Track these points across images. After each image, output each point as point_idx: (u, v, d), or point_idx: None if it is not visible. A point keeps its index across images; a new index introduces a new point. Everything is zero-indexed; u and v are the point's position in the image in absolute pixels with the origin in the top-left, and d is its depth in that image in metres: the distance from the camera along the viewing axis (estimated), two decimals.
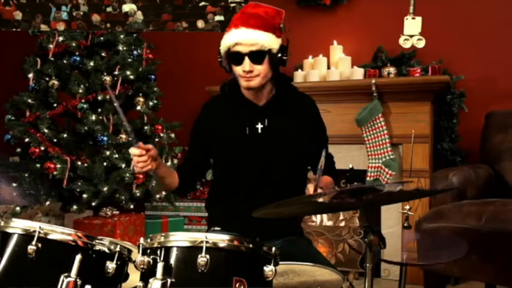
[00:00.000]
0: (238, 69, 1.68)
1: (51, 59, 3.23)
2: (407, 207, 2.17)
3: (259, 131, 1.75)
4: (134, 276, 1.29)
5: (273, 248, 1.24)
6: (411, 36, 2.27)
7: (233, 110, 1.79)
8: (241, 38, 1.64)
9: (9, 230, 1.22)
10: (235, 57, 1.67)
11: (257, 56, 1.65)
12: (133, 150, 1.56)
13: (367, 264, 1.23)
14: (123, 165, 3.14)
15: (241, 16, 1.69)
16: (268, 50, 1.65)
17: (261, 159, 1.75)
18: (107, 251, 1.24)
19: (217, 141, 1.79)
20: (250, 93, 1.75)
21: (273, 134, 1.75)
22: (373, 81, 3.20)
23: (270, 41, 1.65)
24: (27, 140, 3.13)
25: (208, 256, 1.14)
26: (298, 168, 1.81)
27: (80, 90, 3.17)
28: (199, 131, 1.84)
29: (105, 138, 3.16)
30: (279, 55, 1.67)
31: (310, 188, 1.59)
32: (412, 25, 2.25)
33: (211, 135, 1.80)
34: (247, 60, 1.65)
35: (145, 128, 3.37)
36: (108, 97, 3.18)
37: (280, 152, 1.76)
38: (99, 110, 3.23)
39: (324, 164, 1.52)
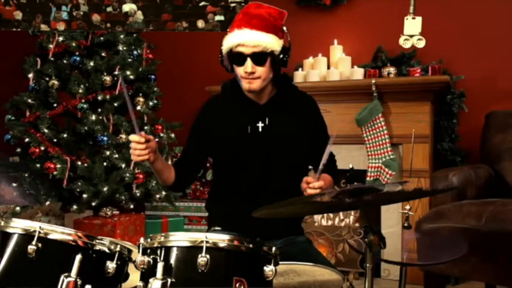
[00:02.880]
0: (240, 70, 1.68)
1: (51, 59, 3.23)
2: (408, 207, 2.17)
3: (260, 129, 1.75)
4: (134, 276, 1.29)
5: (273, 248, 1.24)
6: (411, 36, 2.26)
7: (234, 109, 1.79)
8: (244, 39, 1.63)
9: (9, 230, 1.21)
10: (237, 58, 1.66)
11: (259, 58, 1.65)
12: (132, 136, 1.56)
13: (367, 264, 1.23)
14: (123, 165, 3.15)
15: (243, 17, 1.67)
16: (271, 52, 1.65)
17: (262, 158, 1.75)
18: (107, 251, 1.24)
19: (218, 140, 1.79)
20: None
21: (273, 133, 1.75)
22: (373, 81, 3.20)
23: (273, 43, 1.65)
24: (27, 140, 3.13)
25: (208, 256, 1.14)
26: (298, 167, 1.81)
27: (80, 90, 3.17)
28: (199, 129, 1.83)
29: (105, 138, 3.16)
30: (281, 56, 1.67)
31: (309, 179, 1.57)
32: (412, 25, 2.25)
33: (211, 134, 1.79)
34: (249, 61, 1.64)
35: (145, 128, 3.37)
36: (108, 97, 3.18)
37: (281, 151, 1.75)
38: (99, 110, 3.23)
39: (326, 160, 1.51)
